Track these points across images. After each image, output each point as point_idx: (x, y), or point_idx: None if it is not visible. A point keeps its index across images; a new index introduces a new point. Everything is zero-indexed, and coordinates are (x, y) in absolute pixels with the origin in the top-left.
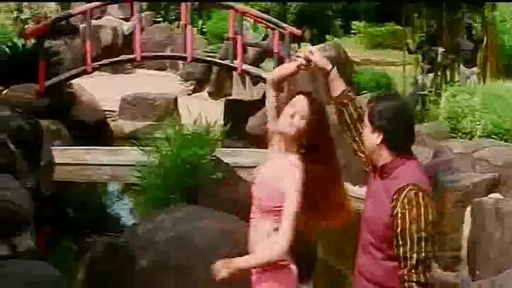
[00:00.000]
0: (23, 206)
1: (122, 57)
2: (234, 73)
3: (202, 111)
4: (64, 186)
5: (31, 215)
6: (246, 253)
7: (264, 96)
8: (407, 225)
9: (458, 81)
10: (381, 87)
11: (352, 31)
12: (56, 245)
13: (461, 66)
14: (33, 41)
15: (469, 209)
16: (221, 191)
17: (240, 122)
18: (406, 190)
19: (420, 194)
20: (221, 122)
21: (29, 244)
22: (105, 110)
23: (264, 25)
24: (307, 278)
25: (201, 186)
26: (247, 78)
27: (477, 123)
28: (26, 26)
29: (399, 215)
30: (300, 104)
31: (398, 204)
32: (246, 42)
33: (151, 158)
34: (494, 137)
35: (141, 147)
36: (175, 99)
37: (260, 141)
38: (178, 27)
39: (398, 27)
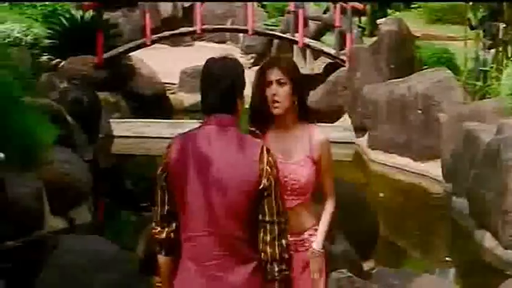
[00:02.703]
0: (81, 179)
1: (182, 29)
2: (295, 47)
3: None
4: (122, 159)
5: (89, 188)
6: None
7: (324, 70)
8: None
9: None
10: (443, 63)
11: (413, 5)
12: (114, 217)
13: None
14: (91, 12)
15: None
16: None
17: None
18: None
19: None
20: None
21: (86, 217)
22: (164, 83)
23: None
24: (369, 254)
25: None
26: (308, 52)
27: None
28: None
29: None
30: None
31: None
32: (306, 15)
33: None
34: None
35: (201, 121)
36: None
37: (321, 115)
38: None
39: (458, 2)
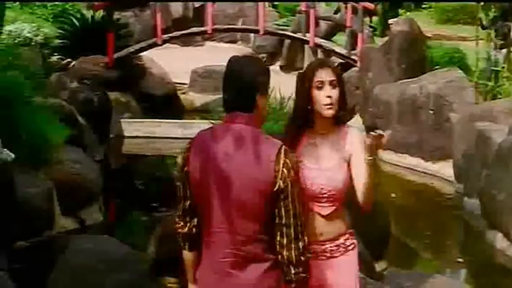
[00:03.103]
0: (91, 180)
1: (193, 29)
2: (306, 47)
3: (275, 85)
4: (133, 159)
5: (100, 188)
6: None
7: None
8: None
9: None
10: (454, 62)
11: (423, 5)
12: (124, 218)
13: None
14: (102, 12)
15: None
16: None
17: None
18: None
19: None
20: (294, 96)
21: (97, 217)
22: (175, 83)
23: None
24: (381, 255)
25: None
26: (319, 51)
27: None
28: None
29: None
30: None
31: None
32: (317, 15)
33: None
34: None
35: (212, 121)
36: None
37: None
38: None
39: (468, 2)
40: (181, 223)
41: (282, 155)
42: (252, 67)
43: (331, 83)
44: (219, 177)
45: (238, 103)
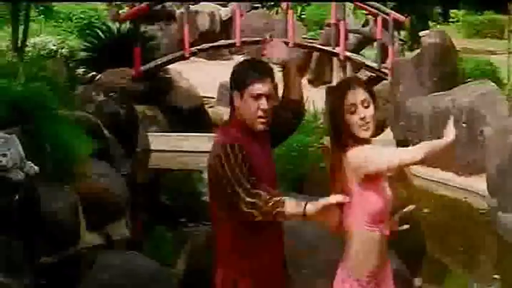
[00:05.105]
0: (118, 194)
1: (222, 42)
2: (334, 60)
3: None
4: (160, 173)
5: (126, 202)
6: None
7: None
8: None
9: None
10: (486, 75)
11: (451, 19)
12: (151, 233)
13: None
14: (128, 25)
15: None
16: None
17: None
18: None
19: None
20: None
21: (123, 233)
22: (203, 97)
23: (365, 10)
24: (417, 271)
25: (308, 175)
26: (348, 65)
27: None
28: (121, 10)
29: None
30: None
31: None
32: (346, 28)
33: None
34: None
35: None
36: (276, 86)
37: None
38: (277, 13)
39: (496, 15)
40: None
41: (213, 154)
42: (233, 68)
43: (363, 102)
44: None
45: None
